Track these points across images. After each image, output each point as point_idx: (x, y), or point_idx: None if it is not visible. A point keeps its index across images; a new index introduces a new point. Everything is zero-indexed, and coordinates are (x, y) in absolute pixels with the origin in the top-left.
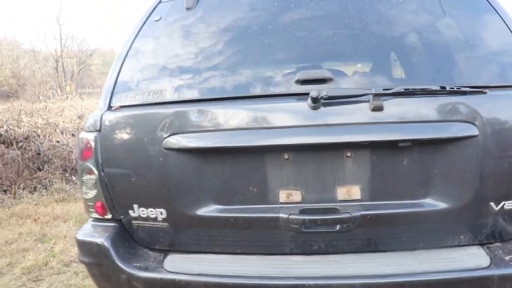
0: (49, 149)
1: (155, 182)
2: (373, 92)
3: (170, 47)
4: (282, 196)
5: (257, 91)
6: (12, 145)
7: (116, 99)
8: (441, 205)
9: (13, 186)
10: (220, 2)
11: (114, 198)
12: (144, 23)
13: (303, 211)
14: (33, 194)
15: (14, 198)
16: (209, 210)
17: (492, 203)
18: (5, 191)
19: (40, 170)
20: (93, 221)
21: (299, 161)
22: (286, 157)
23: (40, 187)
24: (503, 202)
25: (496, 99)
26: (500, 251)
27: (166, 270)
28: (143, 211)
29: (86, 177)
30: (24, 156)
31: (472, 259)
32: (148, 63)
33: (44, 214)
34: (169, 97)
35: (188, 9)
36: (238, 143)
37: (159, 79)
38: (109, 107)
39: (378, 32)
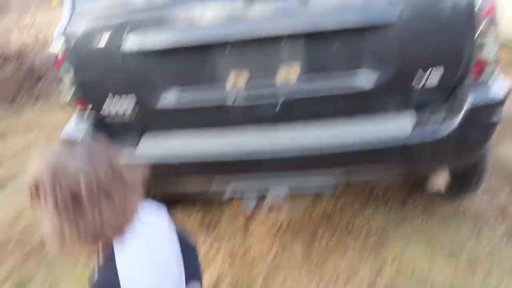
0: (42, 64)
1: (122, 78)
2: None
3: None
4: (230, 80)
5: None
6: (5, 62)
7: (78, 8)
8: (372, 77)
9: (16, 98)
10: None
11: (88, 97)
12: None
13: (248, 91)
14: (35, 105)
15: (17, 109)
16: (170, 97)
17: (417, 73)
18: (9, 102)
19: (37, 85)
20: (75, 118)
21: (242, 51)
22: (230, 48)
23: (41, 98)
24: (426, 74)
25: None
26: (424, 117)
27: (140, 152)
28: (114, 103)
29: (62, 82)
30: (19, 72)
31: (400, 124)
32: None
33: (49, 123)
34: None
35: None
36: (186, 40)
37: None
38: (71, 18)
39: None
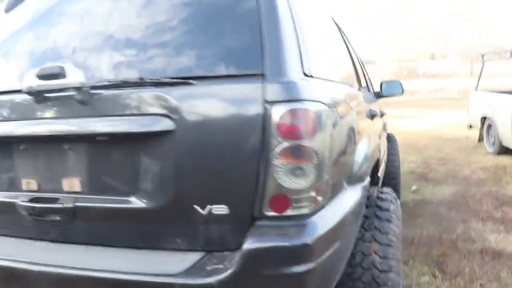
0: None
1: None
2: (73, 86)
3: None
4: (24, 184)
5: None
6: None
7: None
8: (145, 203)
9: None
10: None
11: None
12: None
13: (33, 200)
14: None
15: None
16: None
17: (197, 206)
18: None
19: None
20: None
21: (33, 152)
22: (22, 147)
23: None
24: (209, 206)
25: (197, 91)
26: (207, 261)
27: None
28: None
29: None
30: None
31: (171, 264)
32: None
33: None
34: None
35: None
36: None
37: None
38: None
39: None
